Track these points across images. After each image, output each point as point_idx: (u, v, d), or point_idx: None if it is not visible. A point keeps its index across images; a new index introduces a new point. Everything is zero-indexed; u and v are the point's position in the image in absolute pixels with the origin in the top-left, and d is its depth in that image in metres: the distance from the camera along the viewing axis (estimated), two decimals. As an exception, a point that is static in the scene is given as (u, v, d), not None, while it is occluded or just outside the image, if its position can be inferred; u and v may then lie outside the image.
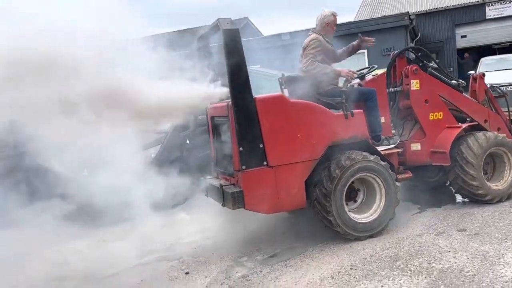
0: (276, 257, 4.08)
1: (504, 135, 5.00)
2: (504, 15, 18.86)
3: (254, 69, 11.57)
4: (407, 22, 14.74)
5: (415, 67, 4.90)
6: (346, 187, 4.14)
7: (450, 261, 3.48)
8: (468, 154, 4.67)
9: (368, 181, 4.33)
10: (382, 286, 3.22)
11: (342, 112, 4.27)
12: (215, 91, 4.14)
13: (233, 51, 3.82)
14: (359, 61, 14.00)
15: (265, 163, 3.94)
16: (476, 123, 5.10)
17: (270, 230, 4.86)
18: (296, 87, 4.55)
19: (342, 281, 3.39)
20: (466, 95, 5.34)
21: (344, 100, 4.30)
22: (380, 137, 4.64)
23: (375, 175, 4.24)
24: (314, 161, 4.13)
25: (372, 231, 4.21)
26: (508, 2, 18.51)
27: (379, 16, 17.83)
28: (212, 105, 4.51)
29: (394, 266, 3.51)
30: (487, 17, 19.09)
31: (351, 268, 3.58)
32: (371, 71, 4.98)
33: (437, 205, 5.02)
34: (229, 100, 4.02)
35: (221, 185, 4.15)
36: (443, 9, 19.51)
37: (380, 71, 5.06)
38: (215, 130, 4.72)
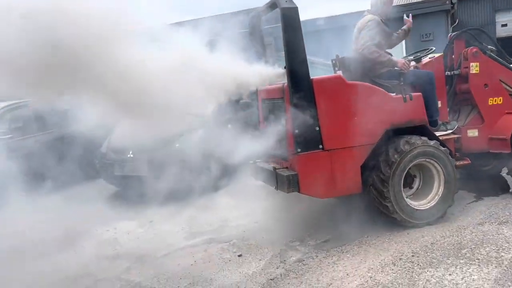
0: (330, 243, 3.99)
1: None
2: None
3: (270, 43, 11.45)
4: (448, 7, 14.19)
5: (475, 49, 4.68)
6: (405, 172, 4.00)
7: (519, 251, 3.31)
8: None
9: (425, 167, 4.18)
10: (450, 274, 3.09)
11: (400, 95, 4.11)
12: (270, 72, 4.01)
13: (292, 30, 3.70)
14: (396, 47, 13.62)
15: (320, 146, 3.83)
16: None
17: (319, 216, 4.76)
18: (351, 69, 4.41)
19: (405, 268, 3.27)
20: None
21: (402, 83, 4.14)
22: (437, 122, 4.46)
23: (434, 161, 4.09)
24: (371, 145, 3.98)
25: (429, 219, 4.07)
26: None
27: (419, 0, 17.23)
28: (265, 87, 4.39)
29: (459, 255, 3.37)
30: (530, 2, 18.22)
31: (412, 255, 3.46)
32: (428, 53, 4.77)
33: (494, 194, 4.81)
34: (284, 81, 3.92)
35: (274, 168, 4.03)
36: (484, -6, 18.73)
37: (437, 54, 4.82)
38: (265, 112, 4.61)
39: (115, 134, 6.58)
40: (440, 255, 3.40)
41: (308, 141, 3.81)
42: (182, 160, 5.94)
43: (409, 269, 3.25)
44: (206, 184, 6.09)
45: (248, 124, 6.78)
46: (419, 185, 4.29)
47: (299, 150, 3.80)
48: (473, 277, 3.01)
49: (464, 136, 4.68)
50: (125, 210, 5.54)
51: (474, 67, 4.67)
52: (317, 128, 3.82)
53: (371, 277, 3.19)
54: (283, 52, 3.86)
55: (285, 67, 3.85)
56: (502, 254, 3.30)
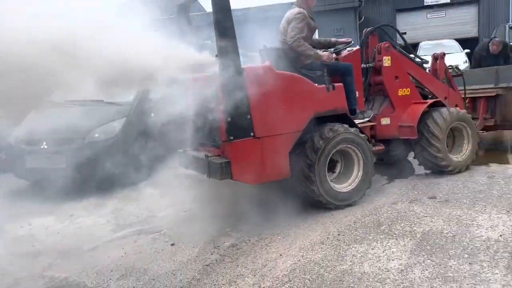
0: (261, 227, 4.11)
1: (464, 110, 5.38)
2: (440, 2, 19.98)
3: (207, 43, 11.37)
4: (357, 4, 15.15)
5: (387, 44, 5.09)
6: (329, 157, 4.26)
7: (429, 225, 3.72)
8: (435, 128, 4.98)
9: (346, 153, 4.49)
10: (372, 249, 3.38)
11: (324, 86, 4.34)
12: (204, 58, 3.93)
13: (223, 19, 3.69)
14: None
15: (252, 134, 3.92)
16: (438, 99, 5.41)
17: (249, 202, 4.85)
18: (277, 59, 4.51)
19: (333, 245, 3.51)
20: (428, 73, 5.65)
21: (325, 74, 4.38)
22: (356, 110, 4.78)
23: (355, 146, 4.42)
24: (298, 132, 4.18)
25: (351, 200, 4.39)
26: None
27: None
28: (194, 75, 4.28)
29: (379, 231, 3.70)
30: (425, 4, 20.10)
31: (338, 234, 3.71)
32: (347, 47, 5.06)
33: (404, 177, 5.31)
34: (216, 70, 3.91)
35: (207, 156, 4.06)
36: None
37: (354, 48, 5.13)
38: (197, 100, 4.52)
39: (24, 123, 6.06)
40: (363, 232, 3.70)
41: (240, 129, 3.88)
42: (102, 150, 5.69)
43: (336, 246, 3.49)
44: (129, 174, 5.90)
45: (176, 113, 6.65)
46: (340, 170, 4.60)
47: (231, 137, 3.86)
48: (392, 249, 3.33)
49: (378, 124, 5.08)
50: (40, 205, 5.16)
51: (386, 61, 5.08)
52: (249, 116, 3.89)
53: (302, 256, 3.37)
54: (211, 41, 3.84)
55: (216, 56, 3.84)
56: (415, 228, 3.68)
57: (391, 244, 3.43)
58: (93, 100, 6.00)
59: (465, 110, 5.43)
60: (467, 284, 2.76)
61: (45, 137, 5.73)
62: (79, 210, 5.03)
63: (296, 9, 4.54)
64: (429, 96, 5.46)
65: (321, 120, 4.34)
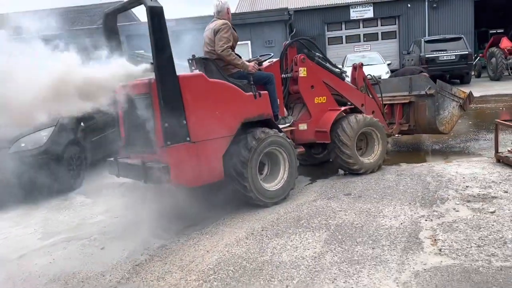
0: (191, 228, 4.32)
1: (372, 117, 5.88)
2: (365, 17, 21.41)
3: (140, 53, 11.35)
4: (286, 17, 15.86)
5: (302, 56, 5.49)
6: (260, 157, 4.59)
7: (342, 218, 4.13)
8: (343, 136, 5.43)
9: (274, 155, 4.84)
10: (291, 241, 3.71)
11: (251, 93, 4.67)
12: (135, 69, 4.07)
13: (158, 29, 3.87)
14: (243, 50, 14.74)
15: (188, 138, 4.11)
16: (354, 106, 5.92)
17: (177, 206, 5.04)
18: (206, 69, 4.72)
19: (256, 240, 3.80)
20: (347, 81, 6.15)
21: (252, 82, 4.71)
22: (278, 116, 5.14)
23: (282, 149, 4.80)
24: (230, 136, 4.46)
25: (277, 198, 4.75)
26: (368, 6, 21.04)
27: (259, 9, 18.77)
28: (127, 83, 4.32)
29: (298, 225, 4.05)
30: (351, 18, 21.43)
31: (262, 230, 4.01)
32: (268, 59, 5.47)
33: (325, 177, 5.76)
34: (150, 77, 4.11)
35: (143, 162, 4.19)
36: (316, 8, 21.36)
37: (274, 59, 5.56)
38: (129, 108, 4.58)
39: None
40: (284, 227, 4.03)
41: (176, 134, 4.04)
42: (29, 160, 5.59)
43: (259, 240, 3.79)
44: (59, 184, 5.85)
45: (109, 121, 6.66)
46: (267, 172, 4.94)
47: (168, 142, 4.01)
48: (308, 240, 3.68)
49: (297, 129, 5.46)
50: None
51: (302, 71, 5.48)
52: (184, 122, 4.09)
53: (228, 251, 3.63)
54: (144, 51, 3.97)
55: (151, 63, 4.03)
56: (330, 221, 4.08)
57: (308, 236, 3.78)
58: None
59: (372, 116, 5.91)
60: (369, 265, 3.16)
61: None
62: (5, 221, 4.93)
63: (221, 21, 4.81)
64: (348, 103, 5.92)
65: (250, 125, 4.65)
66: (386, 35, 22.00)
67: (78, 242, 4.21)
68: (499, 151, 5.65)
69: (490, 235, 3.45)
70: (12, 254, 3.97)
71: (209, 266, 3.38)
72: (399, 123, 6.71)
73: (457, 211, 4.07)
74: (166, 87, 3.95)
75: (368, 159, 5.73)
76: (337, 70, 5.99)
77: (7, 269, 3.69)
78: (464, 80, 16.69)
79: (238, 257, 3.50)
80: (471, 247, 3.28)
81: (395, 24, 21.74)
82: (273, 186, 4.77)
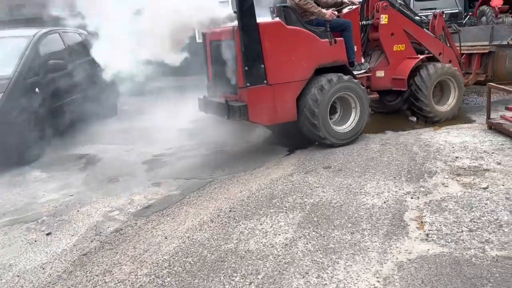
0: (151, 208, 3.86)
1: (450, 65, 5.88)
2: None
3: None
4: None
5: (385, 4, 5.58)
6: (332, 100, 4.90)
7: (319, 195, 3.71)
8: (420, 84, 5.57)
9: (346, 100, 5.10)
10: (261, 224, 3.28)
11: (327, 40, 4.90)
12: (222, 13, 4.72)
13: None
14: None
15: (265, 81, 4.59)
16: (432, 55, 5.89)
17: (139, 181, 4.58)
18: (286, 16, 4.90)
19: (222, 223, 3.36)
20: (426, 30, 6.02)
21: (328, 29, 4.92)
22: (354, 63, 5.27)
23: (354, 94, 5.03)
24: (305, 80, 4.83)
25: (344, 140, 5.04)
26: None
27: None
28: (213, 29, 4.99)
29: (270, 205, 3.61)
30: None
31: (230, 211, 3.57)
32: (350, 6, 5.49)
33: (304, 147, 5.30)
34: (233, 24, 4.61)
35: (226, 101, 4.63)
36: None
37: (354, 6, 5.54)
38: (214, 53, 5.12)
39: None
40: (254, 207, 3.59)
41: (255, 77, 4.54)
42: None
43: (225, 224, 3.35)
44: (11, 157, 5.30)
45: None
46: (339, 116, 5.24)
47: (248, 84, 4.52)
48: (280, 223, 3.25)
49: (373, 76, 5.66)
50: None
51: (383, 18, 5.60)
52: (262, 66, 4.55)
53: (189, 237, 3.19)
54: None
55: (234, 11, 4.52)
56: (305, 199, 3.65)
57: (280, 218, 3.35)
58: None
59: (451, 65, 5.91)
60: (346, 254, 2.75)
61: None
62: None
63: None
64: (425, 52, 5.90)
65: (325, 70, 4.93)
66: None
67: (23, 226, 3.72)
68: (491, 117, 5.25)
69: (483, 217, 3.06)
70: None
71: (165, 256, 2.94)
72: (476, 73, 6.70)
73: (446, 186, 3.67)
74: (247, 33, 4.42)
75: (443, 108, 5.86)
76: (417, 18, 6.03)
77: None
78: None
79: (200, 244, 3.06)
80: (462, 231, 2.89)
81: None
82: (342, 128, 5.07)
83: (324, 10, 5.03)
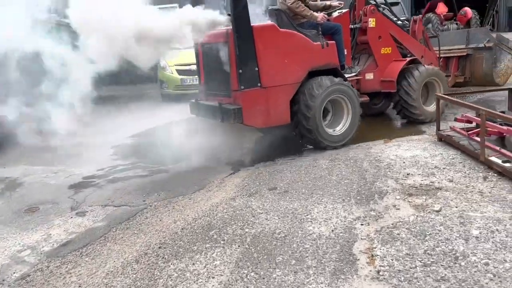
0: (70, 245, 3.33)
1: (437, 67, 6.21)
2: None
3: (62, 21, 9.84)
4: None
5: (372, 7, 5.74)
6: (324, 103, 4.91)
7: (262, 224, 3.33)
8: (412, 82, 5.78)
9: (338, 102, 5.13)
10: (193, 264, 2.85)
11: (319, 43, 4.95)
12: (219, 18, 4.43)
13: None
14: None
15: (259, 84, 4.57)
16: (415, 57, 6.06)
17: (61, 210, 4.04)
18: (278, 19, 4.87)
19: (148, 264, 2.90)
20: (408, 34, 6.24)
21: (320, 33, 4.98)
22: (345, 66, 5.38)
23: (346, 96, 5.07)
24: (298, 83, 4.83)
25: (337, 143, 5.08)
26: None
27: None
28: (209, 32, 4.71)
29: (207, 238, 3.19)
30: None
31: (159, 247, 3.12)
32: (338, 9, 5.64)
33: (250, 165, 4.94)
34: (227, 27, 4.53)
35: (220, 104, 4.63)
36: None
37: (344, 10, 5.76)
38: (206, 56, 5.10)
39: None
40: (188, 242, 3.16)
41: (249, 80, 4.51)
42: None
43: (152, 265, 2.89)
44: None
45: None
46: (331, 118, 5.26)
47: (242, 87, 4.49)
48: (215, 262, 2.84)
49: (363, 78, 5.77)
50: None
51: (371, 22, 5.75)
52: (256, 69, 4.53)
53: (107, 284, 2.71)
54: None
55: (229, 14, 4.42)
56: (246, 230, 3.25)
57: (216, 255, 2.94)
58: None
59: (434, 66, 6.15)
60: (288, 302, 2.38)
61: None
62: None
63: None
64: (408, 55, 6.12)
65: (316, 74, 4.93)
66: None
67: None
68: (440, 128, 5.11)
69: (437, 247, 2.78)
70: None
71: (73, 314, 2.45)
72: (455, 75, 6.99)
73: (398, 209, 3.40)
74: (241, 36, 4.39)
75: (431, 108, 5.97)
76: (399, 22, 6.24)
77: None
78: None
79: (118, 295, 2.59)
80: (416, 267, 2.59)
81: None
82: (335, 131, 5.10)
83: (315, 13, 5.09)
